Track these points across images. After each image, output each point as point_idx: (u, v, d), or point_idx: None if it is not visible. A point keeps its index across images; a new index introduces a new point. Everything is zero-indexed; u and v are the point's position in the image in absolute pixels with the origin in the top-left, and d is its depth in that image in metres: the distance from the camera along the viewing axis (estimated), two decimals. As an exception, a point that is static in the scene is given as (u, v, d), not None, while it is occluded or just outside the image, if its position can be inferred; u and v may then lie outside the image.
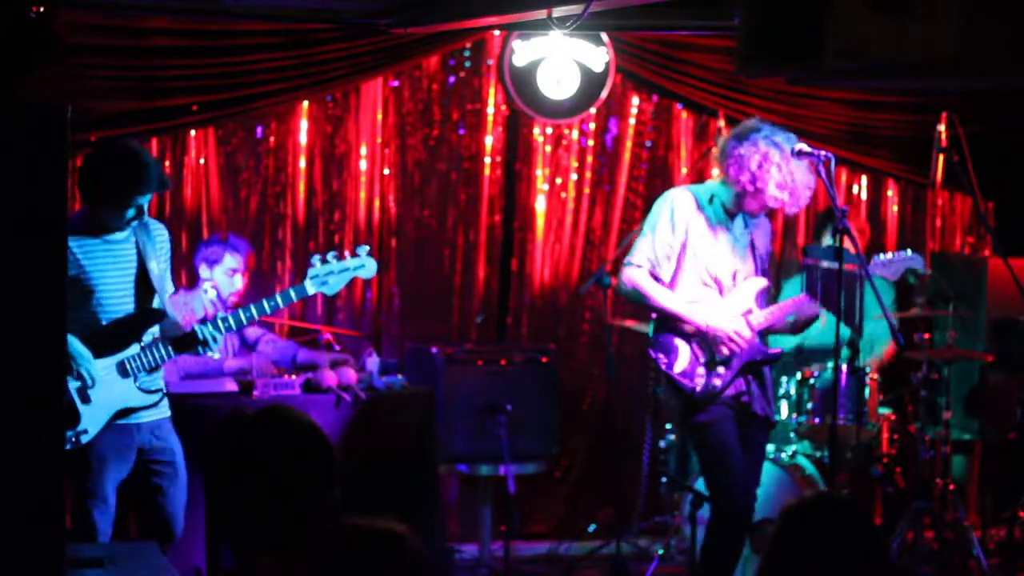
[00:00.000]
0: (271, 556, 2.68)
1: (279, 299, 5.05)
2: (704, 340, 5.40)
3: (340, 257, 5.13)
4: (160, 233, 5.07)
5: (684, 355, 5.42)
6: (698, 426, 5.43)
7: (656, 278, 5.42)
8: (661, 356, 5.44)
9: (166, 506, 4.99)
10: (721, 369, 5.39)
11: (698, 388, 5.38)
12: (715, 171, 5.49)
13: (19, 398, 3.04)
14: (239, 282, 6.30)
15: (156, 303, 4.94)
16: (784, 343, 6.77)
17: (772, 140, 5.31)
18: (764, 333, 5.58)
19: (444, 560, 6.60)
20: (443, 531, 6.77)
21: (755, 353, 5.46)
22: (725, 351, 5.38)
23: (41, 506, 3.05)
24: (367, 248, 5.18)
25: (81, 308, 4.83)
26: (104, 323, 4.86)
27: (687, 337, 5.42)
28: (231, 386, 5.91)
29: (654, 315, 5.54)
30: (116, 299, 4.88)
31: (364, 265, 5.16)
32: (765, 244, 5.62)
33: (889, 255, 5.96)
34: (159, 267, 4.99)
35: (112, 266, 4.88)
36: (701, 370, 5.40)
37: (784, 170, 5.26)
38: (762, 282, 5.51)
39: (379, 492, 6.09)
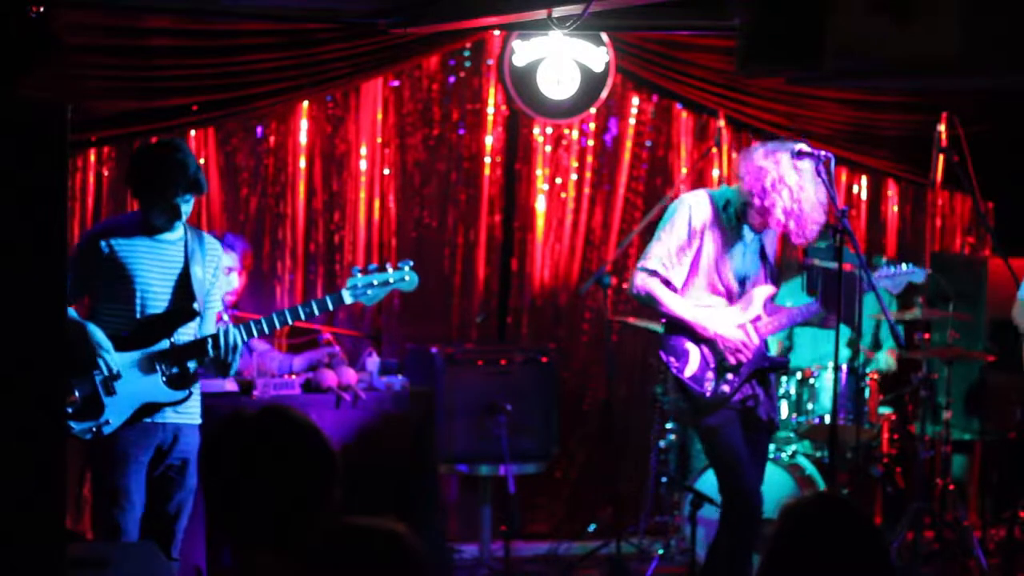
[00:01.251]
0: (271, 556, 2.68)
1: (314, 306, 5.04)
2: (714, 346, 5.41)
3: (381, 269, 5.13)
4: (213, 249, 5.09)
5: (695, 359, 5.42)
6: (707, 429, 5.44)
7: (668, 283, 5.41)
8: (672, 360, 5.45)
9: (169, 510, 4.98)
10: (730, 375, 5.40)
11: (708, 393, 5.39)
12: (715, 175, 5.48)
13: (19, 397, 3.04)
14: (236, 280, 6.30)
15: (195, 305, 4.94)
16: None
17: (795, 165, 5.27)
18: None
19: (444, 560, 6.60)
20: (443, 531, 6.77)
21: (763, 360, 5.47)
22: (733, 360, 5.39)
23: (41, 505, 3.05)
24: (411, 263, 5.18)
25: (118, 301, 4.87)
26: (136, 320, 4.87)
27: (697, 341, 5.43)
28: (231, 386, 5.91)
29: (664, 319, 5.54)
30: (154, 296, 4.89)
31: (405, 278, 5.15)
32: (774, 250, 5.63)
33: (892, 268, 5.95)
34: (204, 275, 4.99)
35: (155, 264, 4.90)
36: (711, 375, 5.40)
37: (794, 197, 5.23)
38: (770, 289, 5.50)
39: (379, 492, 6.09)
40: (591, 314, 7.52)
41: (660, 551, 6.88)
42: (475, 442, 6.58)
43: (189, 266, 4.95)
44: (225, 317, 5.43)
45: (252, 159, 6.94)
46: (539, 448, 6.78)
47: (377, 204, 7.16)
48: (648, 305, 5.51)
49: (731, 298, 5.44)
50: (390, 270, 5.13)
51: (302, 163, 7.00)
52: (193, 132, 6.75)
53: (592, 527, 7.36)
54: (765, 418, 5.48)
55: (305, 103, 6.96)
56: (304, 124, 6.98)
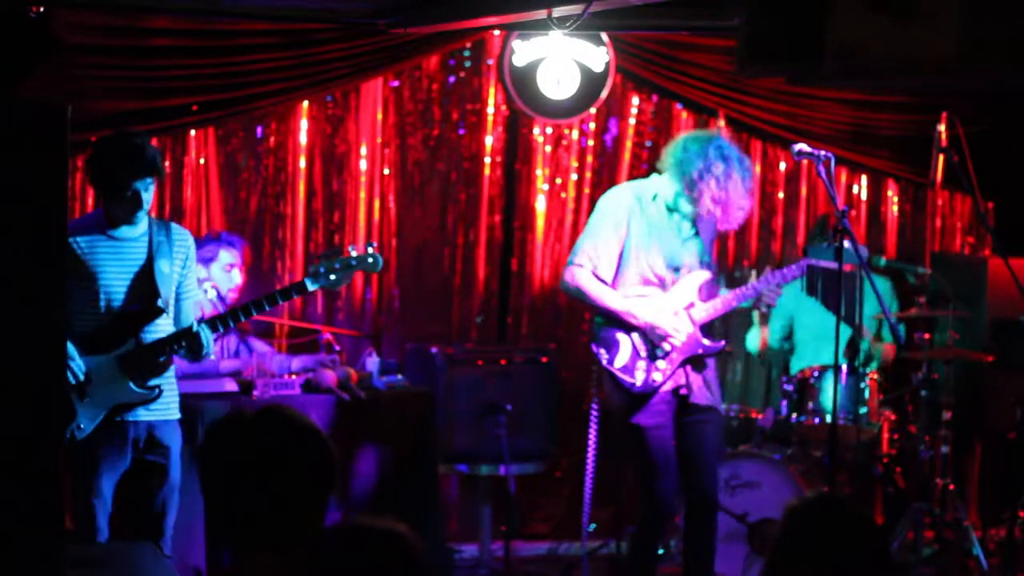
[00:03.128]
0: (270, 556, 2.68)
1: (278, 296, 5.05)
2: (645, 335, 5.44)
3: (344, 253, 5.12)
4: (182, 239, 5.07)
5: (625, 350, 5.46)
6: (635, 428, 5.48)
7: (599, 277, 5.45)
8: (602, 351, 5.49)
9: (155, 507, 4.97)
10: (662, 364, 5.43)
11: (638, 383, 5.43)
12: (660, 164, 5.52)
13: (19, 398, 3.04)
14: (237, 277, 6.30)
15: (160, 303, 4.92)
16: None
17: (722, 154, 5.33)
18: (708, 325, 5.60)
19: (444, 560, 6.60)
20: (443, 531, 6.76)
21: (696, 347, 5.49)
22: (666, 347, 5.41)
23: (41, 506, 3.05)
24: (374, 245, 5.19)
25: (84, 302, 4.87)
26: (102, 320, 4.86)
27: (628, 331, 5.46)
28: (231, 386, 5.91)
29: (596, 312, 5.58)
30: (117, 294, 4.88)
31: (368, 260, 5.14)
32: (710, 237, 5.65)
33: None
34: (170, 268, 4.97)
35: (115, 261, 4.89)
36: (642, 364, 5.44)
37: (720, 186, 5.28)
38: (705, 275, 5.54)
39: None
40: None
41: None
42: (475, 442, 6.57)
43: (153, 261, 4.92)
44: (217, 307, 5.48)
45: (252, 159, 6.94)
46: (539, 448, 6.78)
47: (377, 204, 7.15)
48: (577, 298, 5.59)
49: (664, 287, 5.49)
50: (353, 252, 5.12)
51: (302, 163, 6.99)
52: (193, 132, 6.75)
53: (592, 527, 7.36)
54: (704, 403, 5.51)
55: (305, 103, 6.96)
56: (304, 124, 6.98)
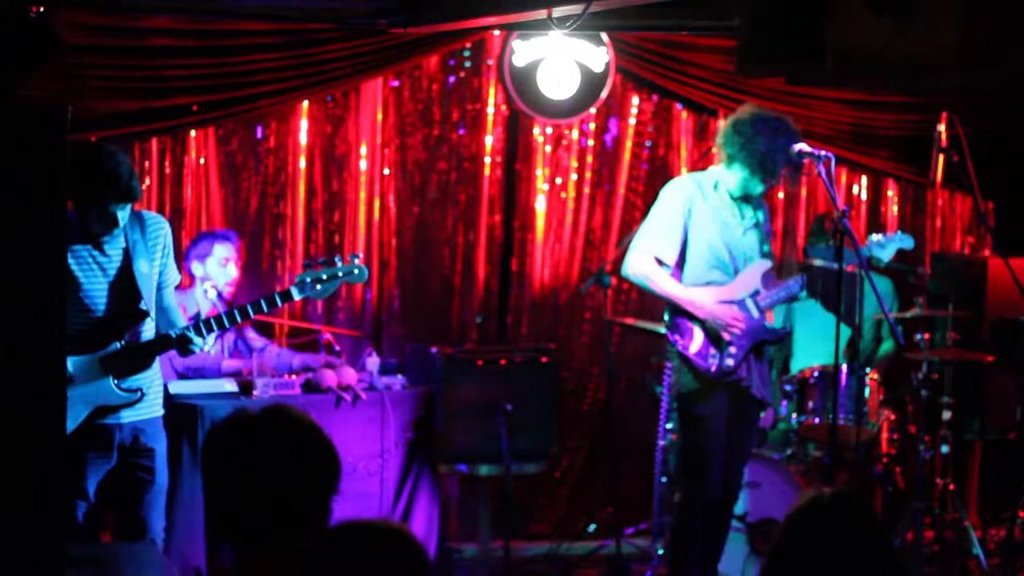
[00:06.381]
0: (271, 556, 2.68)
1: (263, 303, 5.05)
2: (707, 324, 5.56)
3: (331, 263, 5.15)
4: (156, 228, 5.00)
5: (698, 337, 5.58)
6: (695, 417, 5.57)
7: (661, 263, 5.55)
8: (678, 338, 5.60)
9: (139, 508, 4.95)
10: (732, 349, 5.56)
11: (713, 368, 5.55)
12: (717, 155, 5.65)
13: (19, 397, 3.04)
14: (233, 271, 6.30)
15: (142, 304, 4.90)
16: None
17: (772, 124, 5.54)
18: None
19: (444, 560, 6.60)
20: (443, 531, 6.76)
21: (764, 333, 5.64)
22: (727, 336, 5.51)
23: (41, 505, 3.05)
24: (359, 256, 5.25)
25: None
26: (84, 322, 4.82)
27: (695, 319, 5.59)
28: (231, 386, 5.91)
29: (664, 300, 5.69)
30: (99, 298, 4.85)
31: (354, 271, 5.18)
32: (767, 226, 5.80)
33: (883, 236, 6.03)
34: (150, 266, 4.95)
35: (94, 266, 4.84)
36: (714, 350, 5.57)
37: (785, 151, 5.49)
38: (767, 264, 5.68)
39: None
40: (591, 314, 7.52)
41: (660, 551, 6.88)
42: (475, 442, 6.58)
43: (132, 263, 4.89)
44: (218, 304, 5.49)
45: (252, 159, 6.94)
46: (539, 448, 6.77)
47: (377, 204, 7.15)
48: (642, 285, 5.68)
49: (730, 273, 5.61)
50: (339, 263, 5.17)
51: (302, 163, 6.99)
52: (193, 132, 6.75)
53: (592, 527, 7.36)
54: (758, 396, 5.66)
55: (305, 103, 6.96)
56: (304, 124, 6.98)
